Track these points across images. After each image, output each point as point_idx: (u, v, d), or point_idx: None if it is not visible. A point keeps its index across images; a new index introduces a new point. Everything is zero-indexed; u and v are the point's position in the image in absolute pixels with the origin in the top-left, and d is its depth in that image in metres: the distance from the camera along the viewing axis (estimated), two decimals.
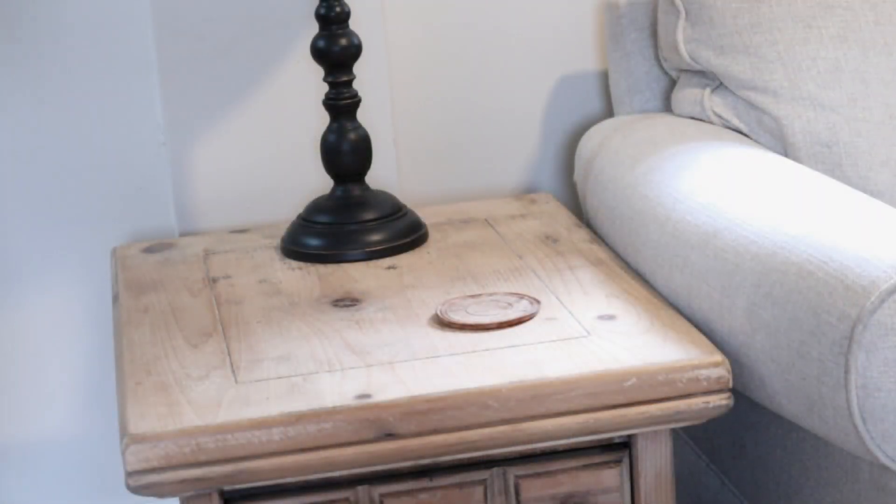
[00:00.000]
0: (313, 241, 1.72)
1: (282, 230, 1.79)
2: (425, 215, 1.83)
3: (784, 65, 1.74)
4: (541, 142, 2.02)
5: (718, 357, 1.37)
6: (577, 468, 1.41)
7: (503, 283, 1.60)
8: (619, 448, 1.41)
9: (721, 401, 1.37)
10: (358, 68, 1.75)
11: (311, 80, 1.86)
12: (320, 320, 1.53)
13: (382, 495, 1.38)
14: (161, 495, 1.30)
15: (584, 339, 1.43)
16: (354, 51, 1.72)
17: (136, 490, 1.29)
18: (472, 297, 1.54)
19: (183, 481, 1.29)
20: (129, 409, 1.34)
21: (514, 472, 1.40)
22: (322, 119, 1.79)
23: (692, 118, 1.83)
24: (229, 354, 1.45)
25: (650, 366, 1.36)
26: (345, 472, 1.35)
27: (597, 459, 1.41)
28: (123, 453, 1.29)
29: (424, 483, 1.38)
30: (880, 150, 1.71)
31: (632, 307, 1.51)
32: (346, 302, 1.57)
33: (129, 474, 1.29)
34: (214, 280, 1.67)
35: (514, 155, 2.01)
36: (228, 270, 1.70)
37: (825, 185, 1.55)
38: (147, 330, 1.53)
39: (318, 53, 1.72)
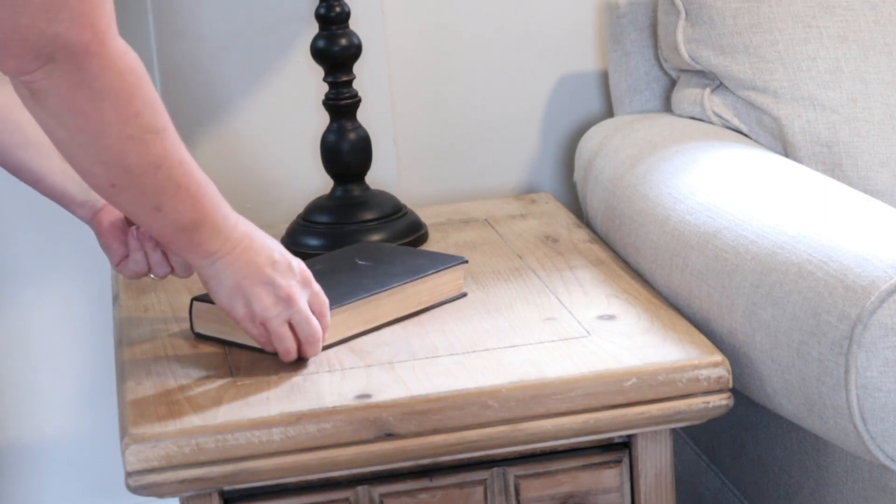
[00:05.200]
0: (313, 242, 1.72)
1: (282, 230, 1.79)
2: (425, 215, 1.83)
3: (784, 65, 1.74)
4: (541, 142, 2.01)
5: (718, 357, 1.37)
6: (577, 468, 1.40)
7: (503, 283, 1.60)
8: (619, 448, 1.41)
9: (721, 401, 1.37)
10: (358, 68, 1.75)
11: (311, 80, 1.86)
12: None
13: (382, 495, 1.37)
14: (161, 495, 1.30)
15: (584, 339, 1.43)
16: (354, 51, 1.72)
17: (136, 490, 1.29)
18: None
19: (183, 481, 1.29)
20: (129, 409, 1.34)
21: (514, 472, 1.40)
22: (322, 119, 1.79)
23: (692, 118, 1.83)
24: (229, 354, 1.45)
25: (650, 366, 1.36)
26: (345, 472, 1.35)
27: (597, 459, 1.41)
28: (123, 453, 1.29)
29: (424, 483, 1.38)
30: (880, 150, 1.71)
31: (632, 307, 1.51)
32: None
33: (129, 474, 1.29)
34: None
35: (514, 155, 2.01)
36: None
37: (825, 185, 1.55)
38: (147, 330, 1.53)
39: (318, 53, 1.72)
